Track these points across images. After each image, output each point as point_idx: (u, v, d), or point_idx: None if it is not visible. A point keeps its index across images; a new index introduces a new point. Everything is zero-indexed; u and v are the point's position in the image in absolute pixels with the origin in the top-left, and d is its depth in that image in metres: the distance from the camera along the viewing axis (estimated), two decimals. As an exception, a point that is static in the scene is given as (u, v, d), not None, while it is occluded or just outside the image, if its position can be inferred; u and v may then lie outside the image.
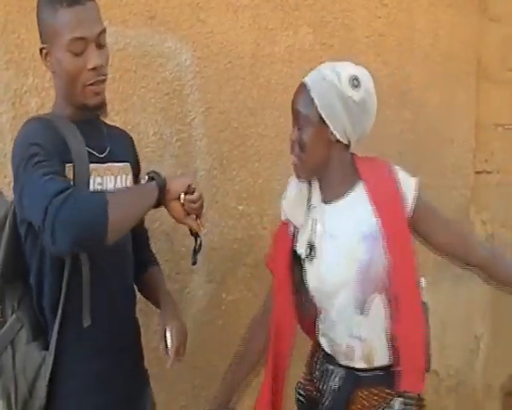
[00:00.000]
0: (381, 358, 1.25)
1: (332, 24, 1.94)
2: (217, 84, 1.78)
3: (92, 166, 1.15)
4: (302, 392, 1.35)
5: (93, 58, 1.10)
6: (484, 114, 2.46)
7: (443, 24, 2.17)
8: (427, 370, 1.31)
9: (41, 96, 1.53)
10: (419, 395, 1.26)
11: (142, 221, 1.38)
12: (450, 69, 2.23)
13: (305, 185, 1.31)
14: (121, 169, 1.24)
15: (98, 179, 1.17)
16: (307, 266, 1.29)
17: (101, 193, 1.09)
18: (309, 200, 1.30)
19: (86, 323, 1.13)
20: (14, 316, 1.15)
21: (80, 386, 1.16)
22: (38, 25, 1.15)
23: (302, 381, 1.35)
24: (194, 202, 1.15)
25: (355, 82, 1.19)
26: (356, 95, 1.19)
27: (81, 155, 1.12)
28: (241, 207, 1.88)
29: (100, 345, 1.18)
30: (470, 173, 2.41)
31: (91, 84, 1.13)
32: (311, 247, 1.27)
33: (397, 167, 1.27)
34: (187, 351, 1.79)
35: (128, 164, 1.27)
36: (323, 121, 1.20)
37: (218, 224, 1.85)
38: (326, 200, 1.28)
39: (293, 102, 1.25)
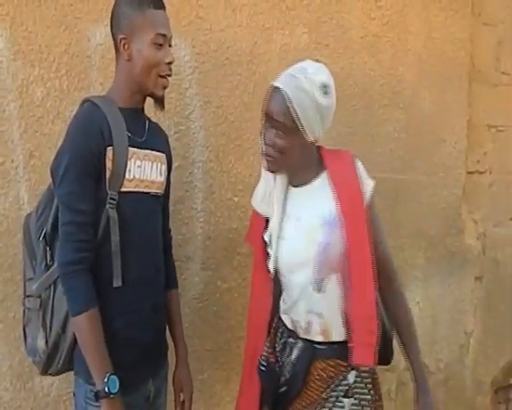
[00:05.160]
0: (338, 334, 1.33)
1: (327, 24, 1.99)
2: (214, 79, 1.83)
3: (132, 149, 1.31)
4: (265, 363, 1.40)
5: (170, 54, 1.32)
6: (477, 116, 2.51)
7: (436, 26, 2.22)
8: (388, 359, 1.43)
9: (46, 86, 1.60)
10: (373, 369, 1.34)
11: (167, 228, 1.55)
12: (442, 70, 2.27)
13: (271, 177, 1.37)
14: (157, 158, 1.40)
15: (138, 162, 1.33)
16: (271, 246, 1.37)
17: (89, 300, 1.23)
18: (274, 188, 1.38)
19: (116, 284, 1.27)
20: None
21: (109, 337, 1.27)
22: (119, 18, 1.31)
23: (265, 354, 1.41)
24: None
25: (326, 89, 1.25)
26: (326, 101, 1.25)
27: (121, 139, 1.27)
28: (236, 199, 1.93)
29: (130, 305, 1.31)
30: (462, 173, 2.45)
31: (163, 77, 1.32)
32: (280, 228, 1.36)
33: (358, 160, 1.35)
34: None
35: (164, 155, 1.44)
36: (298, 128, 1.25)
37: (214, 214, 1.91)
38: (293, 185, 1.37)
39: (269, 108, 1.26)
